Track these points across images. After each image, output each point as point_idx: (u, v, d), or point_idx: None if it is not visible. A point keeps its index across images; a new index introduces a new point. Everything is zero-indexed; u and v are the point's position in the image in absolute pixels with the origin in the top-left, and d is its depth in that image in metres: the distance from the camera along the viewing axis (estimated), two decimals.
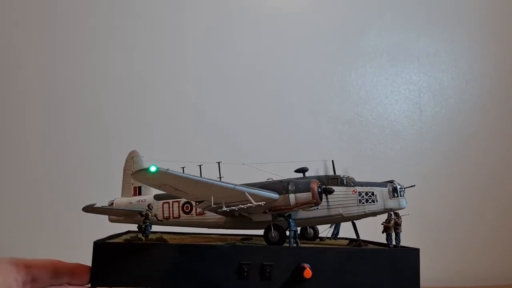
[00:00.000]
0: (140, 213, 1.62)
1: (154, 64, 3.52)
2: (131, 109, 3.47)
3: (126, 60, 3.51)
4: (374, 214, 1.76)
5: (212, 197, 1.51)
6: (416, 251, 1.47)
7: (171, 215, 1.85)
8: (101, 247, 1.34)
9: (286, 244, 1.55)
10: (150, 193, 1.96)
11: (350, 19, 3.69)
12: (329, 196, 1.70)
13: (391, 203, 1.69)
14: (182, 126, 3.47)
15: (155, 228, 1.91)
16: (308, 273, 1.34)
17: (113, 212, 1.93)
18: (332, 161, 1.85)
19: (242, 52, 3.54)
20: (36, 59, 3.47)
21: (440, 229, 3.46)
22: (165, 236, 1.78)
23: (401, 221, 1.64)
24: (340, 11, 3.68)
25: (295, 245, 1.54)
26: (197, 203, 1.69)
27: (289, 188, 1.61)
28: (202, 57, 3.52)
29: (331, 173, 1.84)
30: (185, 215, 1.83)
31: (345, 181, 1.76)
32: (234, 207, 1.52)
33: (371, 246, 1.70)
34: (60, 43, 3.50)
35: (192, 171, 1.82)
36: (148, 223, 1.52)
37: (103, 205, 1.96)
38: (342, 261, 1.40)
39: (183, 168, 1.79)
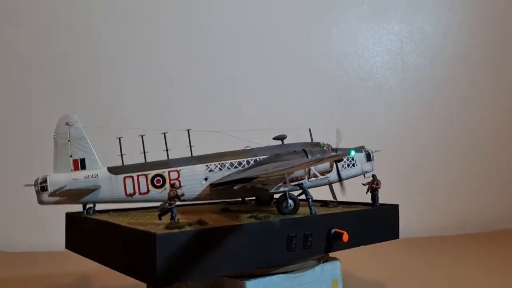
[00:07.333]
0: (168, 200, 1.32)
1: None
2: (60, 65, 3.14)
3: None
4: (353, 176, 1.84)
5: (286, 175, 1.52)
6: (396, 206, 1.75)
7: (136, 190, 1.60)
8: (164, 241, 1.12)
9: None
10: (97, 166, 1.61)
11: None
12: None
13: (367, 167, 1.83)
14: (141, 85, 3.23)
15: (104, 206, 1.68)
16: (346, 237, 1.46)
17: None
18: (310, 129, 1.84)
19: (221, 12, 3.39)
20: None
21: (427, 178, 3.50)
22: (121, 215, 1.64)
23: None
24: None
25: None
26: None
27: (309, 158, 1.64)
28: (180, 14, 3.34)
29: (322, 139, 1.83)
30: (156, 189, 1.61)
31: (325, 147, 1.76)
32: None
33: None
34: None
35: (152, 139, 1.70)
36: (174, 205, 1.29)
37: (27, 183, 1.60)
38: (356, 221, 1.59)
39: (142, 136, 1.70)
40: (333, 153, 1.69)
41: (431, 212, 3.34)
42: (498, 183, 3.60)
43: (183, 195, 1.33)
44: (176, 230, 1.20)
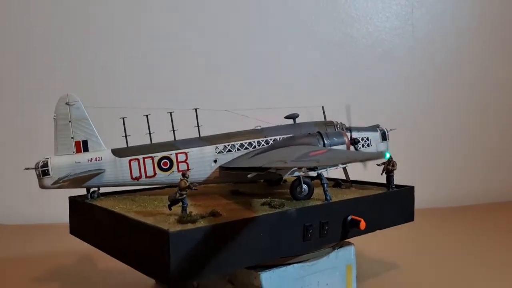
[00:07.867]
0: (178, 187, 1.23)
1: None
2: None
3: None
4: None
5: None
6: (412, 188, 1.70)
7: (143, 174, 1.54)
8: (178, 239, 1.05)
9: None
10: (100, 148, 1.54)
11: None
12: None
13: (382, 146, 1.76)
14: (145, 63, 3.08)
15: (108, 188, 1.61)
16: (363, 225, 1.41)
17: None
18: (322, 107, 1.75)
19: None
20: None
21: (440, 150, 3.44)
22: (124, 197, 1.58)
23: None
24: None
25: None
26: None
27: (325, 142, 1.60)
28: None
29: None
30: (163, 172, 1.55)
31: (338, 126, 1.68)
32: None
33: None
34: None
35: (157, 119, 1.61)
36: (185, 195, 1.22)
37: (27, 167, 1.52)
38: (371, 206, 1.54)
39: (147, 116, 1.61)
40: (369, 152, 1.65)
41: (445, 183, 3.30)
42: None
43: (195, 185, 1.25)
44: (190, 226, 1.13)
